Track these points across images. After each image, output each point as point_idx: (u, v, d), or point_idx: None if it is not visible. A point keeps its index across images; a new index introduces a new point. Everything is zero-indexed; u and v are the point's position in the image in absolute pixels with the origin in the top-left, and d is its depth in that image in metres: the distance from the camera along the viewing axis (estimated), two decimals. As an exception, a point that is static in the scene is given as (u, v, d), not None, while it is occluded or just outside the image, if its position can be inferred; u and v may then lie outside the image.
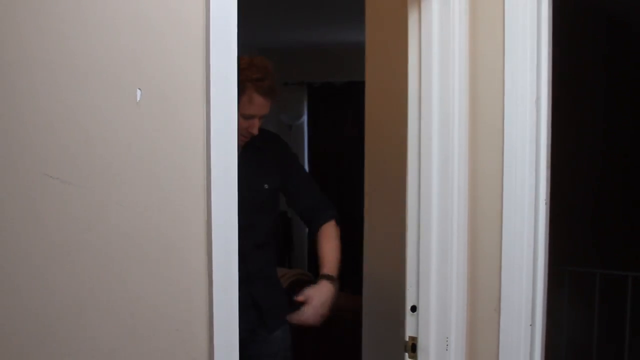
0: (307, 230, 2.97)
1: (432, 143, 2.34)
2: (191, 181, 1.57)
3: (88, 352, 1.41)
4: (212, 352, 1.57)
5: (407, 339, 2.49)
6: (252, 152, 2.64)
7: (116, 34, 1.42)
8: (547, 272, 2.35)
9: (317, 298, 2.55)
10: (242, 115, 2.44)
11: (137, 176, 1.49)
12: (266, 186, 2.68)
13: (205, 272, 1.57)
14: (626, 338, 4.16)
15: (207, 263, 1.57)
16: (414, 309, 2.46)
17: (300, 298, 2.57)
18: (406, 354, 2.49)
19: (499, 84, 2.30)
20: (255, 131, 2.53)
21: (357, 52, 3.89)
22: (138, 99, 1.47)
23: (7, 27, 1.25)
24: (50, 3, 1.31)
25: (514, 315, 2.36)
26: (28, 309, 1.30)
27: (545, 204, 2.30)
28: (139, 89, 1.48)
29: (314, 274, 4.00)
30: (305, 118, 7.87)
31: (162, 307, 1.53)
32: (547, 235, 2.32)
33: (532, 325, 2.36)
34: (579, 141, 4.42)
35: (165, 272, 1.54)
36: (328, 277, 2.63)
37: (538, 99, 2.28)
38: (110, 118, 1.44)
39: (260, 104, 2.51)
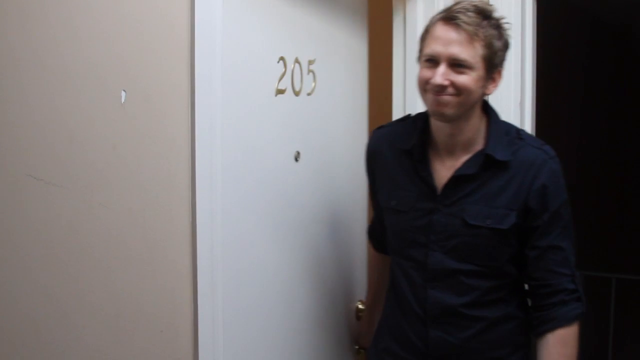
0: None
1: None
2: (176, 182, 1.56)
3: (73, 352, 1.43)
4: (196, 353, 1.56)
5: None
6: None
7: (101, 36, 1.44)
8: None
9: None
10: (423, 57, 1.78)
11: (121, 177, 1.50)
12: (488, 223, 1.83)
13: (190, 273, 1.56)
14: (609, 341, 4.16)
15: (191, 264, 1.56)
16: None
17: None
18: None
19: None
20: (436, 81, 1.72)
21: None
22: (123, 100, 1.49)
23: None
24: (38, 7, 1.32)
25: None
26: (13, 309, 1.32)
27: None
28: (124, 90, 1.49)
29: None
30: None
31: (146, 308, 1.54)
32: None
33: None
34: (559, 140, 4.44)
35: (149, 273, 1.54)
36: None
37: (522, 101, 2.34)
38: (94, 119, 1.46)
39: (439, 36, 1.73)
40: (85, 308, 1.45)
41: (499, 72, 1.82)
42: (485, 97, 1.86)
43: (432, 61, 1.74)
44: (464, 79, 1.73)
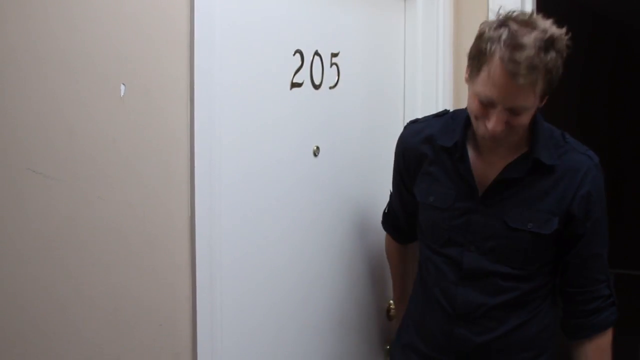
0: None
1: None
2: (175, 176, 1.56)
3: (72, 347, 1.43)
4: (195, 346, 1.56)
5: None
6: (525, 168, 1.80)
7: (101, 29, 1.45)
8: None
9: None
10: (477, 94, 1.68)
11: (120, 171, 1.50)
12: (530, 226, 1.78)
13: (189, 267, 1.56)
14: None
15: (190, 258, 1.56)
16: None
17: None
18: None
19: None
20: (490, 127, 1.66)
21: None
22: (122, 94, 1.49)
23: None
24: (37, 1, 1.33)
25: None
26: (11, 303, 1.34)
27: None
28: (123, 84, 1.49)
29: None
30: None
31: (145, 301, 1.54)
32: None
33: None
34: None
35: (148, 267, 1.54)
36: None
37: None
38: (94, 113, 1.46)
39: (500, 85, 1.61)
40: (83, 302, 1.45)
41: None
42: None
43: (486, 102, 1.66)
44: (521, 120, 1.67)
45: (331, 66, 2.03)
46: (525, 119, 1.68)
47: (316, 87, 1.98)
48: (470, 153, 1.83)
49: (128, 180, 1.51)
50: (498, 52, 1.60)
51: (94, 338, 1.48)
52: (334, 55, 2.04)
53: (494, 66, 1.60)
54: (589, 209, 1.77)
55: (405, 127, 2.03)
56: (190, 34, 1.55)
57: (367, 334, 2.23)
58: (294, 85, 1.90)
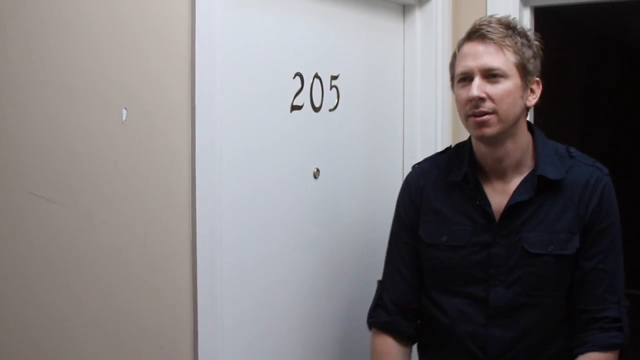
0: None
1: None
2: (176, 199, 1.57)
3: (73, 369, 1.43)
4: (196, 369, 1.58)
5: None
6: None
7: (102, 54, 1.47)
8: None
9: None
10: (458, 82, 1.74)
11: (122, 194, 1.52)
12: (551, 249, 1.72)
13: (190, 290, 1.57)
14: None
15: (191, 280, 1.57)
16: None
17: None
18: None
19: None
20: (471, 93, 1.65)
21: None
22: (124, 118, 1.50)
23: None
24: (38, 24, 1.35)
25: None
26: (14, 325, 1.34)
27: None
28: (125, 108, 1.51)
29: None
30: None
31: (146, 324, 1.54)
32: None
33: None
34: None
35: (150, 290, 1.55)
36: None
37: None
38: (96, 137, 1.48)
39: (470, 52, 1.70)
40: (85, 324, 1.46)
41: (537, 83, 1.75)
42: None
43: (466, 79, 1.69)
44: (500, 88, 1.66)
45: (331, 89, 2.05)
46: (505, 90, 1.67)
47: (316, 109, 1.99)
48: (481, 182, 1.78)
49: (129, 203, 1.53)
50: (463, 38, 1.75)
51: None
52: (334, 77, 2.06)
53: (462, 47, 1.73)
54: (603, 223, 1.73)
55: (412, 169, 1.93)
56: (191, 58, 1.57)
57: (367, 355, 2.23)
58: (294, 107, 1.92)
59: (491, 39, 1.67)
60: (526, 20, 2.40)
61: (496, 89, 1.66)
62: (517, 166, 1.74)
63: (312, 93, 1.98)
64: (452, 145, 1.93)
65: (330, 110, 2.06)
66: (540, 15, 2.50)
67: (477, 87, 1.65)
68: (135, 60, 1.53)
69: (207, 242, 1.58)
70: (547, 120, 2.61)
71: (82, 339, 1.47)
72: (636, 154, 5.56)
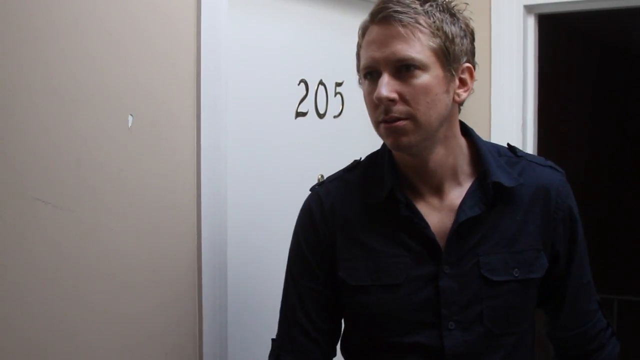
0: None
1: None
2: (182, 206, 1.58)
3: (78, 376, 1.43)
4: (201, 376, 1.58)
5: None
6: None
7: (108, 60, 1.47)
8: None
9: None
10: (364, 77, 1.36)
11: (128, 201, 1.52)
12: (516, 273, 1.39)
13: (195, 296, 1.57)
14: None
15: (197, 287, 1.57)
16: None
17: None
18: None
19: (486, 112, 2.41)
20: (382, 93, 1.29)
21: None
22: (130, 125, 1.51)
23: (2, 55, 1.30)
24: (47, 30, 1.36)
25: None
26: (19, 333, 1.34)
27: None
28: (131, 114, 1.51)
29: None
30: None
31: (152, 331, 1.55)
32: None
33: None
34: (566, 160, 4.46)
35: (155, 296, 1.55)
36: None
37: (524, 124, 2.41)
38: (102, 143, 1.48)
39: (375, 39, 1.31)
40: (91, 331, 1.46)
41: (469, 71, 1.36)
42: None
43: (372, 74, 1.33)
44: (416, 84, 1.29)
45: (335, 95, 2.06)
46: (420, 86, 1.29)
47: (320, 116, 2.00)
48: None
49: (135, 210, 1.53)
50: (366, 20, 1.36)
51: (101, 367, 1.48)
52: (338, 84, 2.07)
53: (367, 31, 1.34)
54: (575, 232, 1.44)
55: (312, 194, 1.49)
56: (197, 64, 1.58)
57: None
58: (299, 114, 1.92)
59: (399, 20, 1.27)
60: (530, 28, 2.42)
61: (410, 87, 1.29)
62: (453, 174, 1.39)
63: (317, 99, 1.98)
64: (362, 158, 1.52)
65: (334, 116, 2.07)
66: (545, 23, 2.51)
67: (386, 85, 1.28)
68: (141, 66, 1.53)
69: (212, 248, 1.59)
70: (553, 128, 2.63)
71: (88, 345, 1.47)
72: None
